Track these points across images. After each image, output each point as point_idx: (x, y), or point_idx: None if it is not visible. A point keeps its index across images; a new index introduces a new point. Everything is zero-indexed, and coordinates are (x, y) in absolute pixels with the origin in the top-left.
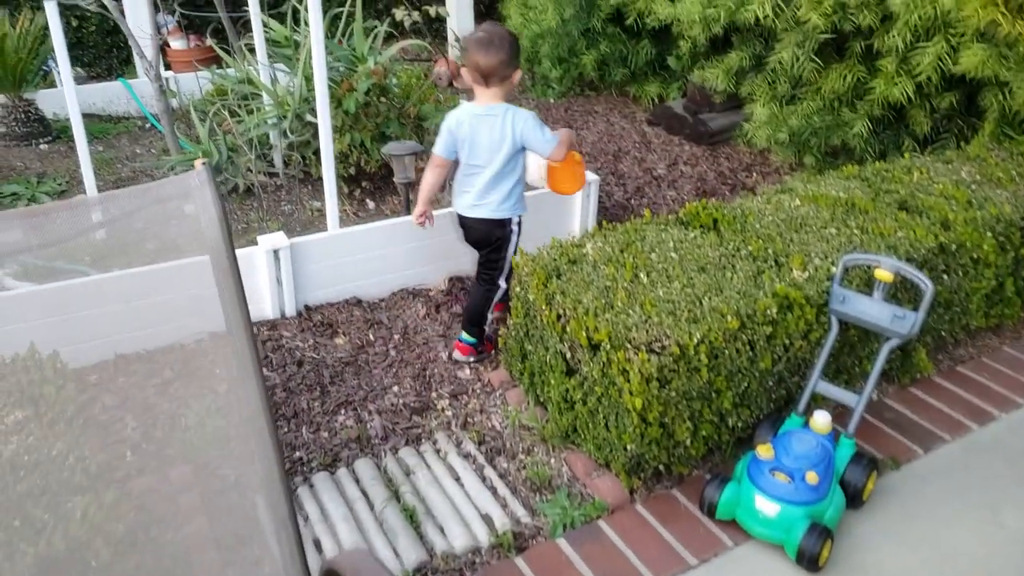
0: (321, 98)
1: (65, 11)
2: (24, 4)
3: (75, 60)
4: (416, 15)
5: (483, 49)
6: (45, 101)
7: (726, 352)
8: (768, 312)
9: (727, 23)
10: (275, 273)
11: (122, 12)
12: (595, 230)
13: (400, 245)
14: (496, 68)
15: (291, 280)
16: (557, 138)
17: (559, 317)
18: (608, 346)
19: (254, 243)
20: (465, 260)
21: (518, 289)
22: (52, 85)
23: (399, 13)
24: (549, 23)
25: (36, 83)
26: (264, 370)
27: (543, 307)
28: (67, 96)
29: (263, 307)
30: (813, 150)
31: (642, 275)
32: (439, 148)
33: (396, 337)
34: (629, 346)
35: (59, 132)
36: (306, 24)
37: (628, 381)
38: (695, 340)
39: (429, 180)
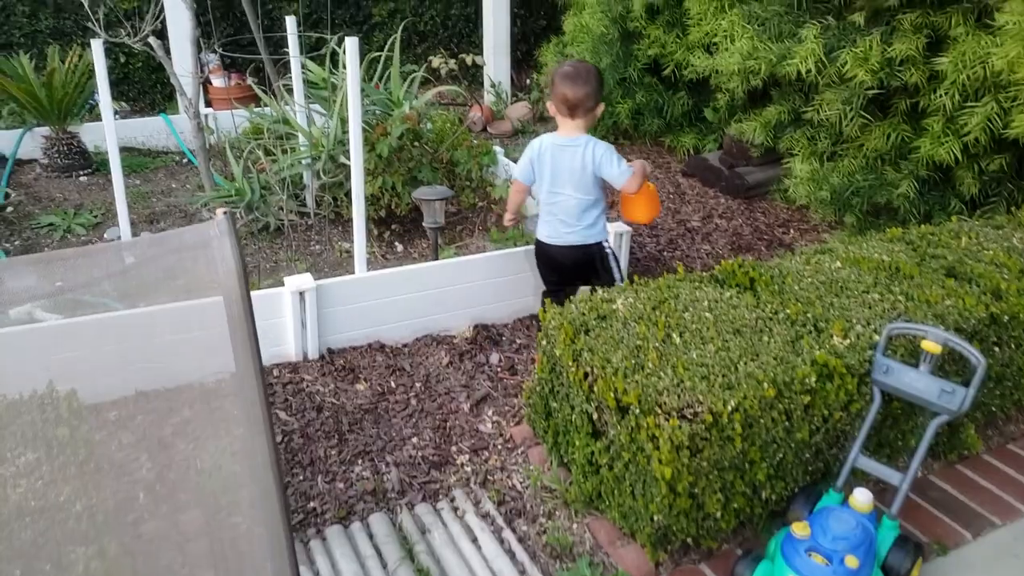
0: (355, 142)
1: (114, 48)
2: (75, 40)
3: (121, 95)
4: (453, 63)
5: (571, 82)
6: (88, 134)
7: (761, 421)
8: (807, 381)
9: (767, 76)
10: (300, 315)
11: (167, 51)
12: (626, 285)
13: (426, 290)
14: (582, 100)
15: (315, 322)
16: (631, 170)
17: (586, 376)
18: (637, 410)
19: (281, 284)
20: (492, 307)
21: (544, 343)
22: (99, 118)
23: (436, 60)
24: None
25: (82, 116)
26: (283, 414)
27: (570, 364)
28: (106, 132)
29: (286, 349)
30: (855, 209)
31: (675, 335)
32: (519, 173)
33: (418, 385)
34: (659, 411)
35: (99, 165)
36: (343, 67)
37: (657, 448)
38: (729, 408)
39: (515, 199)
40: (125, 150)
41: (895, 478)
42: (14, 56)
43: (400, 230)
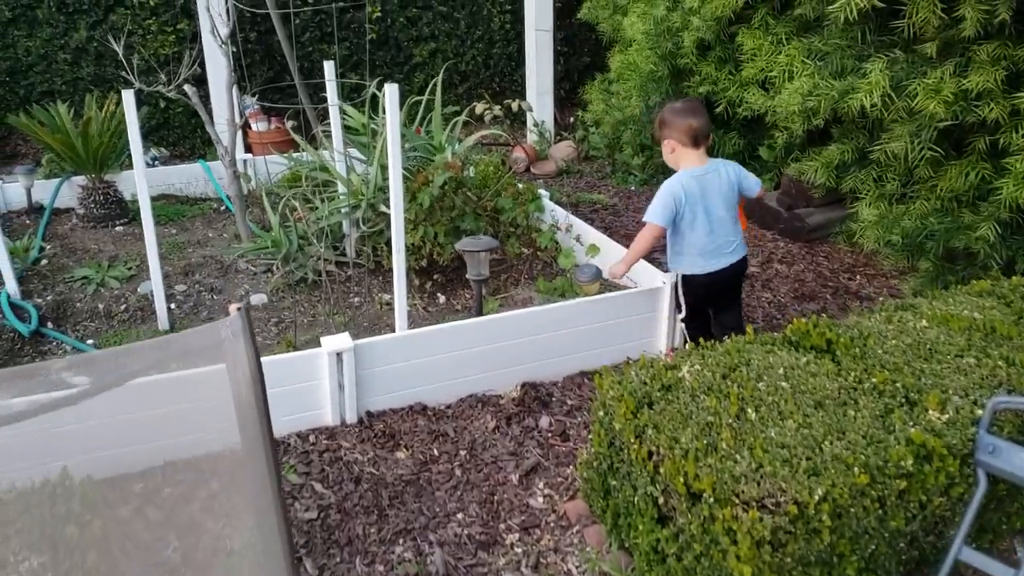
0: (395, 194)
1: (154, 94)
2: (116, 87)
3: (161, 140)
4: (498, 109)
5: (693, 114)
6: (125, 183)
7: (852, 511)
8: (903, 464)
9: (829, 115)
10: (337, 377)
11: (207, 96)
12: (691, 348)
13: (471, 348)
14: (706, 127)
15: (353, 385)
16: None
17: (651, 455)
18: (711, 498)
19: (317, 342)
20: (540, 365)
21: (601, 414)
22: None
23: (480, 106)
24: (632, 110)
25: (120, 164)
26: (319, 486)
27: (632, 441)
28: (137, 184)
29: (322, 413)
30: (929, 254)
31: (749, 410)
32: (662, 218)
33: (462, 453)
34: (737, 501)
35: (135, 214)
36: (383, 112)
37: (735, 543)
38: (816, 497)
39: (645, 247)
40: (162, 197)
41: (1007, 574)
42: (52, 105)
43: (442, 280)
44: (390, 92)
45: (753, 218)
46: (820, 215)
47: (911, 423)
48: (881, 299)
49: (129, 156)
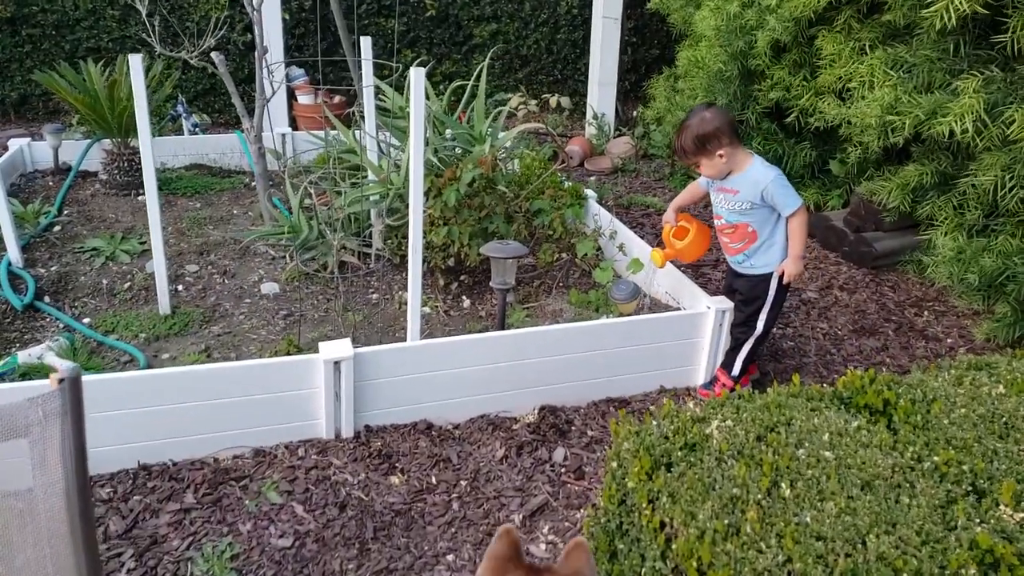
0: (415, 191)
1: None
2: (142, 51)
3: (206, 106)
4: (533, 104)
5: (725, 110)
6: (156, 149)
7: None
8: (962, 574)
9: (911, 134)
10: (334, 387)
11: (264, 64)
12: (725, 397)
13: (486, 364)
14: None
15: (351, 397)
16: None
17: (663, 525)
18: None
19: (315, 350)
20: (563, 388)
21: (614, 465)
22: (180, 131)
23: (515, 100)
24: None
25: (157, 130)
26: (300, 508)
27: (643, 504)
28: (143, 158)
29: (316, 425)
30: (1009, 297)
31: (783, 484)
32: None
33: (463, 484)
34: None
35: (162, 183)
36: (427, 95)
37: None
38: None
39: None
40: (195, 167)
41: None
42: (85, 63)
43: (469, 282)
44: (415, 76)
45: (816, 238)
46: (890, 240)
47: (978, 520)
48: (949, 341)
49: (173, 120)
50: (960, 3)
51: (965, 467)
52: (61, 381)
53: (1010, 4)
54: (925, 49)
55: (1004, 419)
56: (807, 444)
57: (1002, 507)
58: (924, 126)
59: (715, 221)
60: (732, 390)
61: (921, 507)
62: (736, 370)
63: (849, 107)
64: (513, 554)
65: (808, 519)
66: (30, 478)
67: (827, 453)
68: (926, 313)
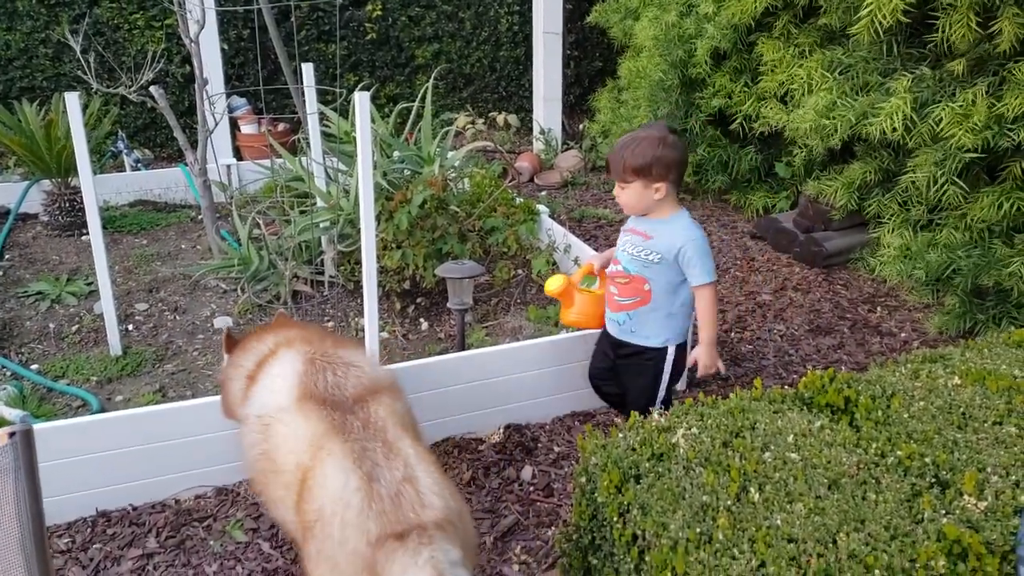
0: (366, 214)
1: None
2: (78, 88)
3: (147, 141)
4: (481, 123)
5: (685, 149)
6: (97, 188)
7: None
8: (932, 565)
9: (846, 136)
10: None
11: (204, 96)
12: (689, 405)
13: (448, 386)
14: None
15: None
16: None
17: (635, 538)
18: None
19: None
20: (527, 405)
21: (583, 480)
22: (121, 167)
23: (462, 119)
24: (641, 120)
25: (97, 168)
26: (267, 546)
27: (614, 518)
28: (85, 197)
29: None
30: (957, 289)
31: (752, 488)
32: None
33: None
34: None
35: (105, 222)
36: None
37: None
38: None
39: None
40: (139, 203)
41: None
42: (19, 104)
43: (426, 304)
44: (359, 100)
45: (767, 239)
46: (840, 239)
47: (943, 511)
48: (903, 335)
49: (113, 156)
50: (884, 15)
51: (927, 459)
52: (12, 435)
53: (939, 6)
54: (861, 51)
55: (961, 410)
56: (773, 447)
57: (966, 497)
58: (857, 127)
59: (611, 266)
60: None
61: (888, 502)
62: None
63: (790, 112)
64: None
65: (779, 522)
66: None
67: (793, 455)
68: (879, 309)
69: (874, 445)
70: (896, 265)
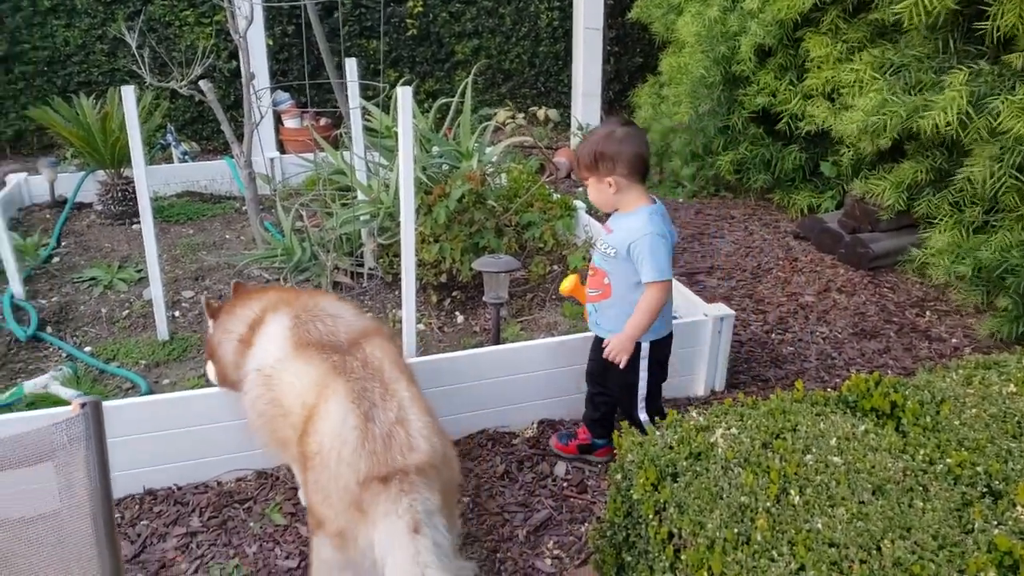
0: (406, 209)
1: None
2: (132, 82)
3: (194, 134)
4: (521, 117)
5: (640, 141)
6: (148, 179)
7: None
8: None
9: (899, 134)
10: None
11: (251, 90)
12: (729, 405)
13: (484, 380)
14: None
15: None
16: None
17: (671, 536)
18: None
19: None
20: (562, 402)
21: (618, 477)
22: (168, 160)
23: (502, 114)
24: (681, 117)
25: (152, 157)
26: (304, 529)
27: (650, 515)
28: (137, 187)
29: None
30: (1009, 291)
31: (792, 491)
32: (670, 271)
33: (465, 500)
34: None
35: (154, 212)
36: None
37: None
38: None
39: (656, 315)
40: (186, 194)
41: None
42: (77, 98)
43: (462, 297)
44: (402, 95)
45: (811, 240)
46: (887, 241)
47: (995, 521)
48: (954, 340)
49: (153, 150)
50: (932, 2)
51: (979, 468)
52: (83, 406)
53: None
54: (914, 48)
55: (1017, 418)
56: (814, 449)
57: (1019, 508)
58: (908, 123)
59: None
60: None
61: (936, 510)
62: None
63: (838, 113)
64: None
65: (820, 525)
66: (56, 501)
67: (835, 458)
68: (928, 313)
69: (922, 452)
70: (944, 260)
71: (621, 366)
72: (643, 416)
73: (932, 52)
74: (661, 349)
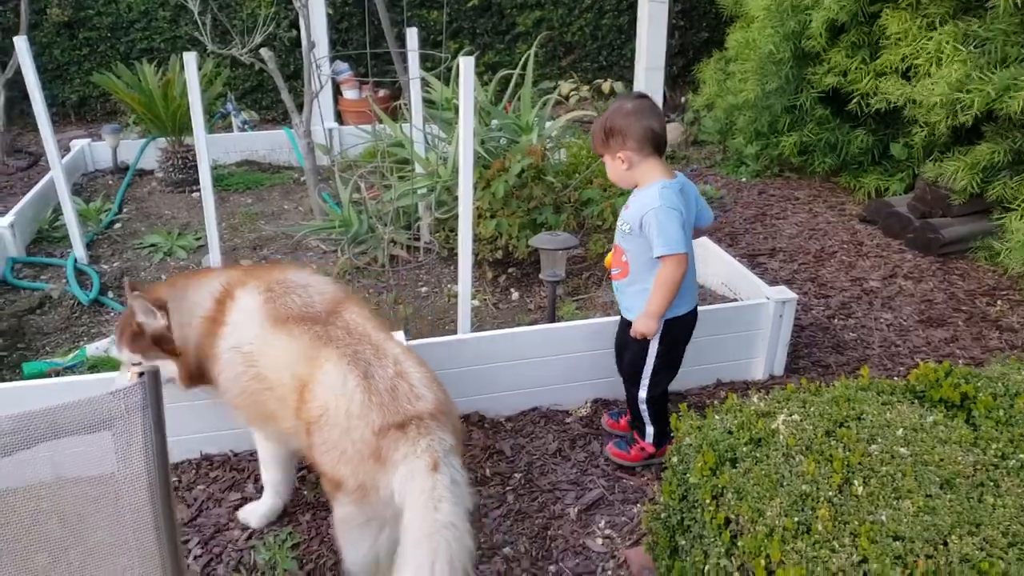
0: (464, 183)
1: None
2: (193, 50)
3: (253, 104)
4: (586, 89)
5: (652, 115)
6: (208, 146)
7: None
8: None
9: (981, 112)
10: None
11: (312, 58)
12: (791, 391)
13: (537, 357)
14: (665, 133)
15: None
16: None
17: (728, 522)
18: None
19: None
20: (616, 381)
21: (675, 460)
22: (229, 128)
23: (566, 86)
24: (748, 95)
25: (209, 128)
26: None
27: (707, 500)
28: (198, 155)
29: None
30: None
31: (856, 481)
32: (685, 244)
33: (517, 476)
34: None
35: (215, 180)
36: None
37: None
38: None
39: (676, 290)
40: (245, 163)
41: None
42: (139, 64)
43: (517, 274)
44: (464, 64)
45: (878, 224)
46: (959, 226)
47: None
48: None
49: (213, 118)
50: None
51: None
52: (141, 375)
53: None
54: (1000, 23)
55: None
56: (880, 440)
57: None
58: (996, 103)
59: None
60: (652, 456)
61: (1007, 507)
62: (649, 437)
63: (915, 85)
64: None
65: (884, 518)
66: (109, 464)
67: (902, 449)
68: (999, 303)
69: (994, 446)
70: (1022, 252)
71: (646, 336)
72: (644, 406)
73: (1019, 27)
74: (679, 329)
